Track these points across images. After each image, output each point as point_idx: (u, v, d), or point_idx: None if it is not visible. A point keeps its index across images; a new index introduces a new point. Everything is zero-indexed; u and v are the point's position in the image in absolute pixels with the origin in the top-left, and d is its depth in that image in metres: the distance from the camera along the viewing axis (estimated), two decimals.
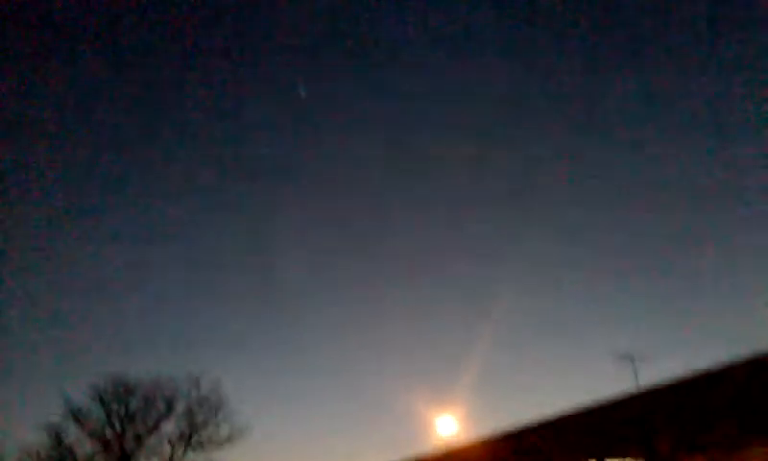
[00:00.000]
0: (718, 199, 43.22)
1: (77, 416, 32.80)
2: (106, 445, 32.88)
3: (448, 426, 23.79)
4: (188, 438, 33.80)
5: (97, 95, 45.36)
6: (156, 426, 33.79)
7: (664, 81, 43.34)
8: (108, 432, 33.11)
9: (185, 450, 33.68)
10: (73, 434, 32.71)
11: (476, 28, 46.04)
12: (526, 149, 48.67)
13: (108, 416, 33.25)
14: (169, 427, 34.00)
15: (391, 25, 46.57)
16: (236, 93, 47.30)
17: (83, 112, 45.83)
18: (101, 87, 45.34)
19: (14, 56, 41.38)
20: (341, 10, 47.01)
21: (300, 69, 47.58)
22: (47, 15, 41.35)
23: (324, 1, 46.60)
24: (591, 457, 13.21)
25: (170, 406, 34.07)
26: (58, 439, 32.19)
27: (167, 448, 33.61)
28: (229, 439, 33.86)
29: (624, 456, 12.84)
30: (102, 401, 33.32)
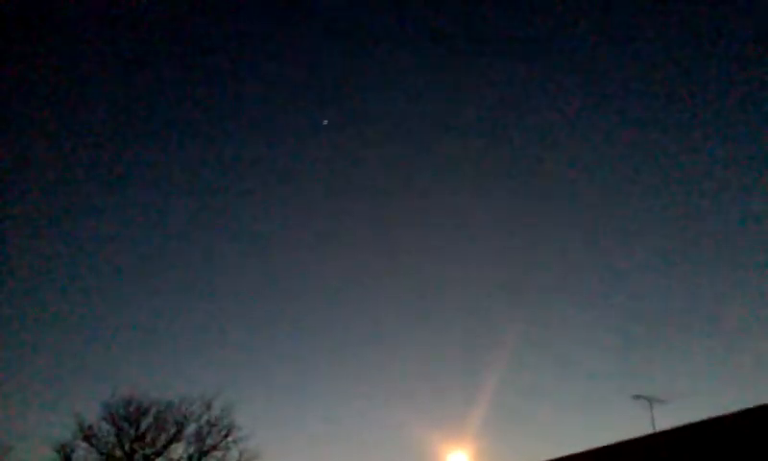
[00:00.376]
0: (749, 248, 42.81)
1: (87, 435, 32.82)
2: None
3: None
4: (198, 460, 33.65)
5: (97, 95, 45.95)
6: (165, 448, 33.70)
7: (664, 81, 43.20)
8: (118, 452, 33.07)
9: None
10: (83, 453, 32.74)
11: (476, 28, 46.25)
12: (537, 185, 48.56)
13: (119, 436, 33.25)
14: (179, 449, 33.91)
15: (390, 24, 46.93)
16: (236, 93, 47.70)
17: (82, 112, 46.40)
18: (101, 87, 45.94)
19: (14, 56, 42.18)
20: (340, 9, 47.55)
21: (301, 69, 47.99)
22: (47, 15, 42.18)
23: (324, 1, 47.16)
24: None
25: (180, 428, 34.00)
26: (67, 457, 32.19)
27: None
28: None
29: None
30: (113, 421, 33.36)
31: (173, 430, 33.94)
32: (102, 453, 32.78)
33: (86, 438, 32.71)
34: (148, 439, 33.64)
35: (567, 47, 45.37)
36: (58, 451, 32.14)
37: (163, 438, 33.82)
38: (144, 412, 33.88)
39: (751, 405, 10.19)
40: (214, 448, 33.97)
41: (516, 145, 48.73)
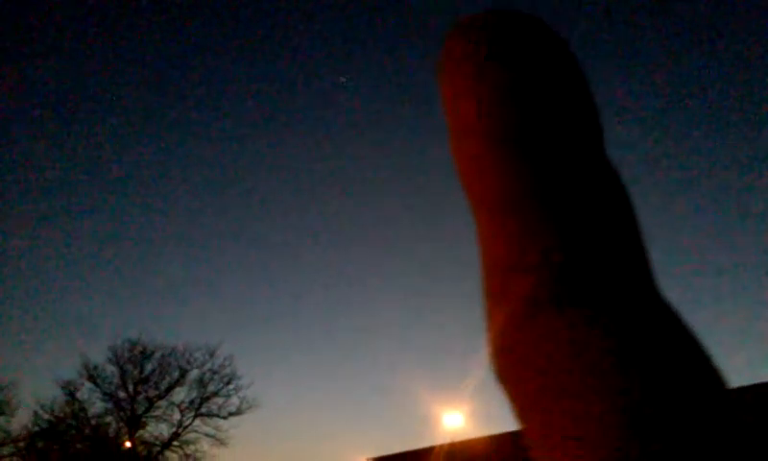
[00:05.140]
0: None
1: (92, 375, 33.44)
2: (117, 405, 33.53)
3: (455, 421, 23.76)
4: (198, 406, 34.27)
5: (97, 95, 45.76)
6: (167, 392, 34.31)
7: (664, 81, 42.61)
8: (121, 393, 33.76)
9: (194, 418, 34.18)
10: (87, 392, 33.40)
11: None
12: None
13: (123, 377, 33.86)
14: (181, 395, 34.51)
15: (389, 24, 46.27)
16: (236, 93, 47.36)
17: (83, 112, 46.24)
18: (101, 87, 45.70)
19: (14, 56, 41.95)
20: (340, 9, 46.85)
21: (300, 69, 47.54)
22: (47, 15, 41.80)
23: (324, 0, 46.48)
24: None
25: (183, 374, 34.55)
26: (71, 395, 32.86)
27: (177, 414, 34.16)
28: (238, 411, 34.21)
29: None
30: (117, 363, 33.94)
31: (176, 375, 34.47)
32: (106, 393, 33.44)
33: (91, 378, 33.34)
34: (151, 382, 34.24)
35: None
36: (63, 389, 32.81)
37: (166, 382, 34.40)
38: (148, 356, 34.40)
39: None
40: (215, 394, 34.49)
41: None
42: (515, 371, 0.28)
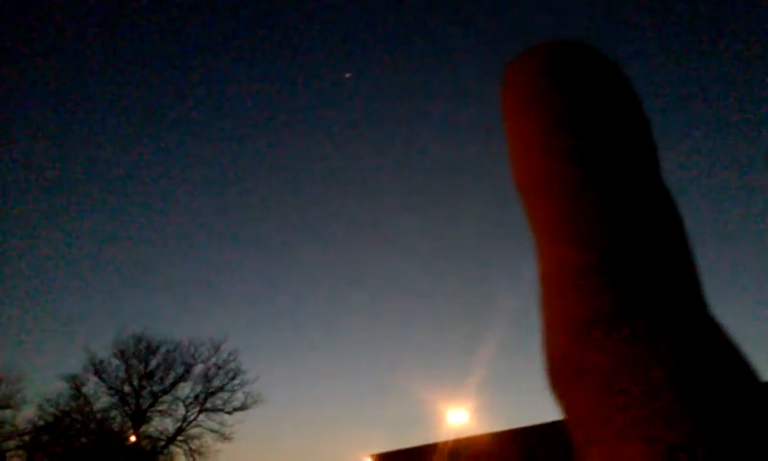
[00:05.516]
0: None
1: (97, 369, 33.53)
2: (122, 399, 33.62)
3: (459, 418, 23.75)
4: (203, 401, 34.33)
5: (97, 95, 45.70)
6: (172, 387, 34.38)
7: (664, 81, 42.40)
8: (126, 387, 33.84)
9: (199, 413, 34.24)
10: (92, 387, 33.49)
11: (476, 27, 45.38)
12: None
13: (128, 372, 33.93)
14: (185, 389, 34.58)
15: (389, 24, 46.12)
16: (236, 93, 47.28)
17: (83, 112, 46.18)
18: (101, 87, 45.66)
19: (14, 56, 41.92)
20: (339, 9, 46.73)
21: (300, 69, 47.44)
22: (47, 15, 41.74)
23: (323, 0, 46.34)
24: None
25: (188, 369, 34.60)
26: (77, 389, 32.95)
27: (181, 409, 34.23)
28: (243, 406, 34.27)
29: None
30: (123, 358, 34.01)
31: (181, 370, 34.55)
32: (111, 388, 33.52)
33: (96, 372, 33.42)
34: (156, 377, 34.32)
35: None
36: (68, 383, 32.90)
37: (171, 376, 34.47)
38: (153, 350, 34.48)
39: None
40: (220, 389, 34.56)
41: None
42: (570, 382, 0.28)
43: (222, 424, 34.02)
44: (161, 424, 34.33)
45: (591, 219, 0.29)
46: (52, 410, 32.04)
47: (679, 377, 0.24)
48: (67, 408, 32.52)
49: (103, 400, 33.55)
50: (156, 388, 34.25)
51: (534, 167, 0.32)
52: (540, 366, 0.31)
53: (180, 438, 33.89)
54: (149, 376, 34.22)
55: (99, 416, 33.22)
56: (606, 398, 0.26)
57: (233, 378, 34.73)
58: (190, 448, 33.64)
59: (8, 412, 31.42)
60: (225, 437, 33.76)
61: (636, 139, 0.31)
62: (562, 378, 0.29)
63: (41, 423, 31.78)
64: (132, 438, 33.12)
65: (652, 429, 0.24)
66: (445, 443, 19.30)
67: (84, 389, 33.20)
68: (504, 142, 0.35)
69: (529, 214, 0.32)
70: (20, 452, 31.59)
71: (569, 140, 0.30)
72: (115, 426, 33.59)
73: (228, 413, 34.20)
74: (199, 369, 34.75)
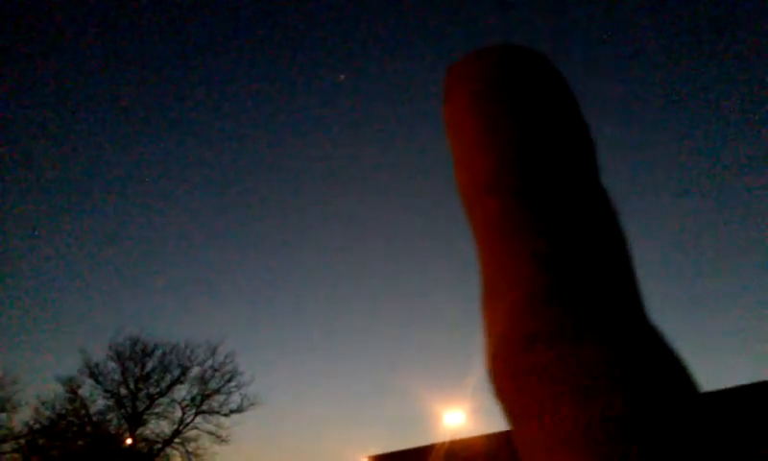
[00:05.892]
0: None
1: (93, 371, 33.45)
2: (118, 401, 33.54)
3: (455, 420, 23.75)
4: (199, 403, 34.28)
5: (97, 95, 45.66)
6: (169, 389, 34.33)
7: (664, 81, 42.48)
8: (123, 390, 33.76)
9: (195, 415, 34.18)
10: (88, 389, 33.41)
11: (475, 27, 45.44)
12: None
13: (124, 374, 33.87)
14: (182, 392, 34.52)
15: (389, 24, 46.16)
16: (236, 93, 47.28)
17: (83, 112, 46.13)
18: (101, 87, 45.63)
19: (14, 56, 41.87)
20: (339, 9, 46.74)
21: (300, 69, 47.44)
22: (47, 15, 41.70)
23: (323, 0, 46.35)
24: None
25: (184, 371, 34.55)
26: (73, 392, 32.86)
27: (178, 412, 34.17)
28: (240, 409, 34.22)
29: None
30: (119, 360, 33.92)
31: (177, 372, 34.52)
32: (107, 390, 33.45)
33: (92, 375, 33.34)
34: (152, 379, 34.28)
35: (567, 47, 44.35)
36: (64, 386, 32.81)
37: (167, 379, 34.43)
38: (149, 353, 34.43)
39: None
40: (216, 391, 34.54)
41: None
42: (512, 390, 0.29)
43: (218, 426, 34.01)
44: (158, 427, 34.33)
45: (530, 225, 0.29)
46: (48, 413, 31.98)
47: (606, 374, 0.25)
48: (63, 411, 32.46)
49: (99, 402, 33.52)
50: (152, 390, 34.24)
51: (475, 171, 0.32)
52: (486, 375, 0.33)
53: (176, 440, 33.87)
54: (145, 378, 34.18)
55: (95, 419, 33.17)
56: (545, 398, 0.27)
57: (230, 381, 34.73)
58: (187, 451, 33.61)
59: (3, 415, 31.36)
60: (221, 439, 33.73)
61: (575, 142, 0.32)
62: (506, 387, 0.30)
63: (37, 425, 31.69)
64: (129, 441, 33.03)
65: (581, 417, 0.25)
66: (442, 444, 19.30)
67: (81, 391, 33.15)
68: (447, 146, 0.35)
69: (470, 218, 0.32)
70: (16, 455, 31.48)
71: (509, 143, 0.31)
72: (111, 429, 33.54)
73: (225, 415, 34.19)
74: (195, 371, 34.76)
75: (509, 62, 0.33)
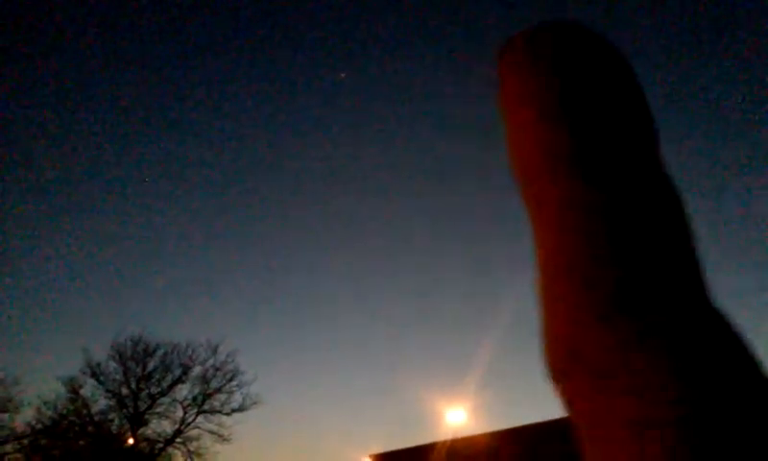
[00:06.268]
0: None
1: (95, 371, 33.49)
2: (120, 401, 33.57)
3: (457, 418, 23.76)
4: (201, 403, 34.30)
5: (97, 95, 45.66)
6: (170, 389, 34.35)
7: (663, 81, 42.51)
8: (124, 390, 33.79)
9: (197, 415, 34.20)
10: (89, 389, 33.44)
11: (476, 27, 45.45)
12: None
13: (126, 374, 33.90)
14: (183, 391, 34.54)
15: (389, 24, 46.16)
16: (236, 93, 47.29)
17: (83, 112, 46.14)
18: (101, 87, 45.63)
19: (14, 56, 41.91)
20: (339, 9, 46.74)
21: (300, 69, 47.45)
22: (47, 15, 41.74)
23: (323, 1, 46.34)
24: None
25: (186, 371, 34.58)
26: (74, 392, 32.89)
27: (179, 411, 34.19)
28: (241, 408, 34.24)
29: None
30: (120, 360, 33.96)
31: (178, 372, 34.53)
32: (108, 390, 33.48)
33: (94, 375, 33.37)
34: (154, 379, 34.30)
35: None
36: (66, 386, 32.84)
37: (169, 379, 34.45)
38: (151, 353, 34.45)
39: None
40: (218, 391, 34.56)
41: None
42: (571, 372, 0.29)
43: (220, 425, 34.04)
44: (159, 427, 34.34)
45: (595, 210, 0.29)
46: (50, 413, 32.02)
47: (677, 371, 0.25)
48: (65, 411, 32.50)
49: (101, 402, 33.55)
50: (153, 390, 34.26)
51: (533, 158, 0.31)
52: (540, 356, 0.31)
53: (178, 440, 33.91)
54: (146, 378, 34.21)
55: (97, 418, 33.21)
56: (600, 386, 0.26)
57: (231, 380, 34.75)
58: (188, 450, 33.65)
59: (5, 415, 31.38)
60: (223, 438, 33.76)
61: (637, 129, 0.31)
62: (558, 367, 0.30)
63: (39, 426, 31.73)
64: (131, 440, 33.08)
65: (645, 418, 0.24)
66: (444, 442, 19.30)
67: (82, 391, 33.19)
68: (502, 132, 0.34)
69: (528, 202, 0.32)
70: (18, 456, 31.53)
71: (569, 129, 0.30)
72: (113, 429, 33.58)
73: (227, 414, 34.21)
74: (197, 371, 34.78)
75: (566, 42, 0.32)
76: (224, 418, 34.19)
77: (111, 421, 33.65)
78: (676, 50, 43.88)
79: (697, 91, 43.30)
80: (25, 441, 31.58)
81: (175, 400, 34.38)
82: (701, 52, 42.54)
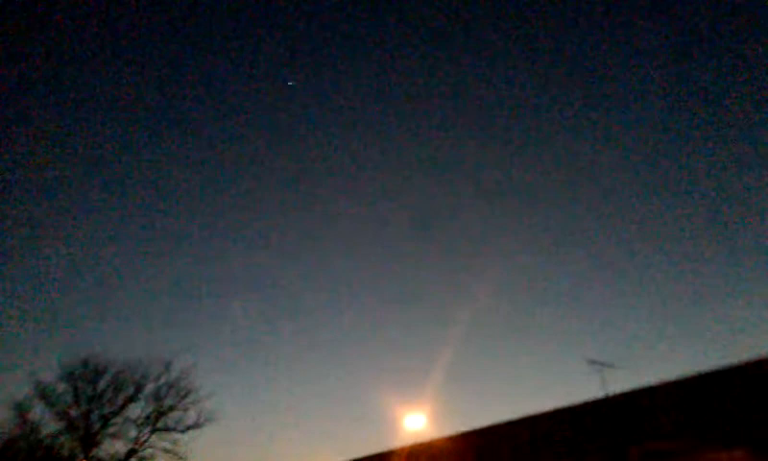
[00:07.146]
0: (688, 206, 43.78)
1: (43, 394, 32.46)
2: (70, 423, 32.57)
3: (417, 423, 23.84)
4: (155, 421, 33.56)
5: (97, 95, 44.72)
6: (122, 408, 33.51)
7: (663, 81, 43.78)
8: (74, 411, 32.80)
9: (151, 433, 33.45)
10: (39, 412, 32.40)
11: (476, 27, 46.07)
12: (500, 151, 48.95)
13: (76, 395, 32.94)
14: (136, 410, 33.76)
15: (389, 24, 46.47)
16: (236, 93, 46.90)
17: (83, 112, 45.11)
18: (101, 87, 44.70)
19: (14, 56, 40.76)
20: (339, 9, 46.87)
21: (300, 69, 47.35)
22: (47, 15, 40.77)
23: (323, 1, 46.43)
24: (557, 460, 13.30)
25: (139, 389, 33.80)
26: (22, 416, 31.84)
27: (133, 431, 33.38)
28: (196, 425, 33.65)
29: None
30: (70, 380, 32.99)
31: (131, 390, 33.74)
32: (58, 413, 32.48)
33: (43, 397, 32.36)
34: (105, 399, 33.41)
35: (567, 47, 45.31)
36: (12, 411, 31.77)
37: (121, 398, 33.62)
38: (102, 372, 33.59)
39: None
40: (172, 408, 33.89)
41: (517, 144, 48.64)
42: None
43: (175, 443, 33.36)
44: (112, 447, 33.45)
45: None
46: None
47: None
48: (13, 436, 31.39)
49: (50, 425, 32.51)
50: (105, 410, 33.37)
51: None
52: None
53: (132, 460, 33.05)
54: (98, 398, 33.30)
55: (47, 442, 32.14)
56: None
57: (185, 397, 34.12)
58: None
59: None
60: (179, 457, 33.10)
61: None
62: None
63: None
64: None
65: None
66: (403, 448, 19.36)
67: (31, 415, 32.13)
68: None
69: None
70: None
71: None
72: (64, 452, 32.57)
73: (181, 432, 33.58)
74: (149, 388, 34.04)
75: None
76: (178, 435, 33.57)
77: (62, 444, 32.66)
78: (676, 50, 45.02)
79: (697, 91, 44.48)
80: None
81: (128, 420, 33.62)
82: (701, 52, 43.74)
